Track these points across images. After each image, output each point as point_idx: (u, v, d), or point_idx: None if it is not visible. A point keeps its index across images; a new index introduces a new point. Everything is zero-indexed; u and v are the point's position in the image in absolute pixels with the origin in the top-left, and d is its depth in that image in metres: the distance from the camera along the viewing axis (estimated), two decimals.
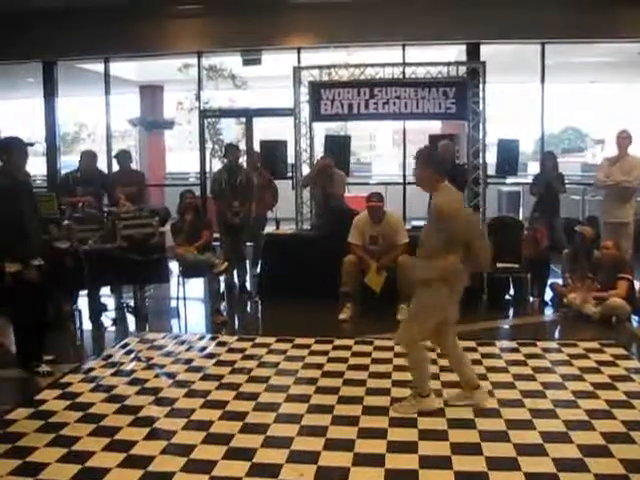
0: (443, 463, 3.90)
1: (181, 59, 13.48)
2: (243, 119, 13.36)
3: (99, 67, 13.10)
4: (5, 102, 17.26)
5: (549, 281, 7.93)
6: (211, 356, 6.03)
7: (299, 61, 11.91)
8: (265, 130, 16.17)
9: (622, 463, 3.88)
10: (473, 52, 11.53)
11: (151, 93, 17.59)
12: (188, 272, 7.73)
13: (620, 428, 4.38)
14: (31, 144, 6.20)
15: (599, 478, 3.72)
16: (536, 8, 10.90)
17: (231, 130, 15.70)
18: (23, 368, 5.65)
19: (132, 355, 6.11)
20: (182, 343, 6.47)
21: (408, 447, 4.11)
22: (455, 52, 12.83)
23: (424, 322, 4.64)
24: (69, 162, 12.40)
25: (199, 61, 12.60)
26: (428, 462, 3.91)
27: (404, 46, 11.85)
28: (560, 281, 7.77)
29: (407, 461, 3.93)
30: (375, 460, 3.94)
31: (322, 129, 12.50)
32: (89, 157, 8.17)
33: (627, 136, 8.35)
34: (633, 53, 12.10)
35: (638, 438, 4.21)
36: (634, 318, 7.05)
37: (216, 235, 8.52)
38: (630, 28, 11.35)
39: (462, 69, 9.87)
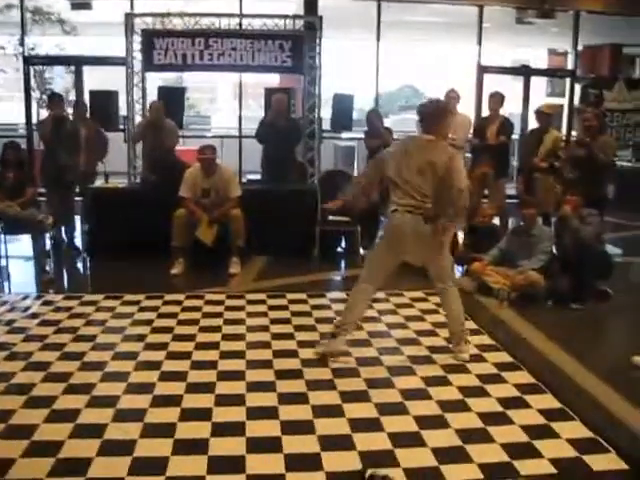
0: (269, 412, 3.97)
1: None
2: (73, 68, 12.68)
3: None
4: None
5: (380, 233, 8.17)
6: (35, 316, 5.74)
7: (132, 7, 11.42)
8: (100, 80, 15.43)
9: (439, 404, 4.12)
10: (311, 6, 11.53)
11: None
12: (10, 228, 7.31)
13: (439, 372, 4.64)
14: None
15: (418, 420, 3.92)
16: None
17: (62, 79, 14.88)
18: None
19: None
20: (4, 304, 6.10)
21: (233, 399, 4.14)
22: (294, 6, 12.77)
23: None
24: None
25: (22, 2, 11.78)
26: (255, 412, 3.96)
27: None
28: None
29: (234, 413, 3.96)
30: (202, 415, 3.93)
31: (160, 80, 12.14)
32: None
33: (455, 95, 8.66)
34: (465, 14, 12.56)
35: (454, 380, 4.50)
36: (456, 267, 7.41)
37: (42, 190, 8.11)
38: None
39: (299, 23, 9.87)
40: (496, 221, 8.32)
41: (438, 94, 8.15)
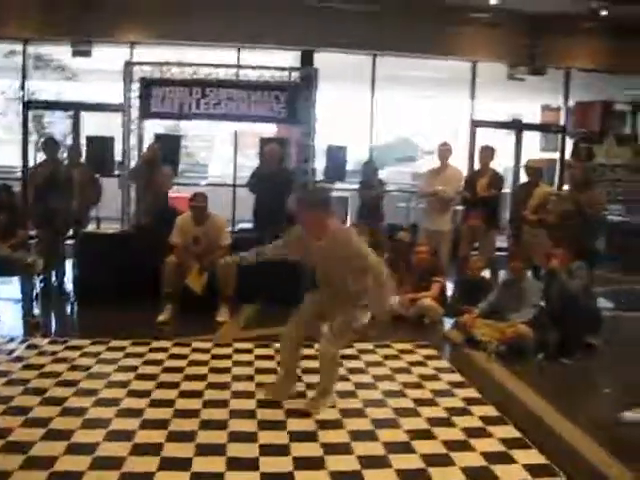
0: (249, 464, 3.92)
1: (6, 45, 12.73)
2: (71, 112, 12.82)
3: None
4: None
5: None
6: (19, 359, 5.68)
7: (132, 56, 11.60)
8: (96, 125, 15.59)
9: (422, 457, 4.06)
10: (307, 59, 11.73)
11: None
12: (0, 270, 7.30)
13: (424, 425, 4.59)
14: None
15: (400, 473, 3.87)
16: (369, 20, 11.31)
17: (61, 124, 15.02)
18: None
19: None
20: None
21: (216, 449, 4.08)
22: (291, 58, 12.97)
23: None
24: None
25: (25, 49, 11.97)
26: (236, 463, 3.90)
27: (239, 49, 11.87)
28: None
29: (214, 464, 3.90)
30: (182, 464, 3.87)
31: (160, 127, 12.26)
32: None
33: (447, 148, 8.78)
34: (460, 70, 12.77)
35: (439, 433, 4.44)
36: (445, 320, 7.40)
37: (32, 233, 8.12)
38: (456, 48, 12.07)
39: (295, 75, 10.01)
40: (486, 273, 8.34)
41: (432, 146, 8.26)
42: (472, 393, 5.26)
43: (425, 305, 7.32)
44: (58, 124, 14.84)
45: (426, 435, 4.42)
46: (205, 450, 4.06)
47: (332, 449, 4.13)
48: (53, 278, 8.22)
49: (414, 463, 4.01)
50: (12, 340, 6.30)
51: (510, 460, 4.09)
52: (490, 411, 4.88)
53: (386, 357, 6.11)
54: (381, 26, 11.47)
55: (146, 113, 9.71)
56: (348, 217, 12.60)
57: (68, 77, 13.89)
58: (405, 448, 4.21)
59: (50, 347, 6.07)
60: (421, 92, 15.83)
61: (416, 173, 19.87)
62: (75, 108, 12.26)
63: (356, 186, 9.90)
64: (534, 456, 4.15)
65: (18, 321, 7.19)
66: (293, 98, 9.68)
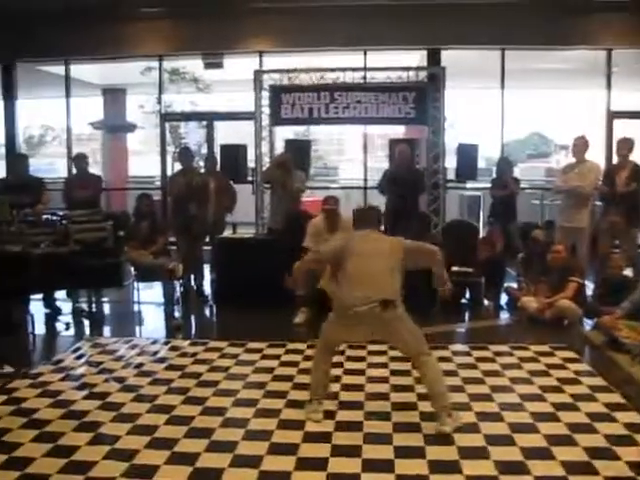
0: (386, 466, 3.91)
1: (144, 62, 13.40)
2: (205, 122, 13.33)
3: (61, 69, 12.99)
4: None
5: (504, 285, 8.00)
6: (162, 360, 5.98)
7: (261, 65, 11.89)
8: (229, 134, 16.11)
9: (563, 465, 3.91)
10: (434, 57, 11.62)
11: (114, 96, 17.41)
12: (143, 276, 7.69)
13: (563, 430, 4.42)
14: None
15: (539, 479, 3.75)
16: (496, 15, 11.02)
17: (195, 134, 15.65)
18: None
19: (83, 360, 6.04)
20: (134, 347, 6.41)
21: (352, 451, 4.10)
22: (418, 57, 12.90)
23: None
24: (35, 165, 12.29)
25: (160, 64, 12.54)
26: (371, 466, 3.91)
27: (365, 51, 11.89)
28: (515, 285, 7.86)
29: (350, 465, 3.93)
30: (318, 464, 3.93)
31: (290, 133, 12.54)
32: (18, 161, 8.07)
33: (583, 141, 8.44)
34: (592, 60, 12.26)
35: (580, 440, 4.26)
36: (585, 321, 7.12)
37: (172, 239, 8.48)
38: (588, 36, 11.56)
39: (422, 74, 9.95)
40: (628, 272, 7.96)
41: (566, 141, 7.96)
42: (615, 398, 5.01)
43: (563, 306, 7.06)
44: (193, 134, 15.49)
45: (566, 441, 4.25)
46: (341, 451, 4.10)
47: (468, 453, 4.06)
48: (192, 282, 8.56)
49: (554, 470, 3.87)
50: (155, 342, 6.65)
51: None
52: (635, 418, 4.62)
53: (523, 359, 5.94)
54: (509, 19, 11.16)
55: (277, 119, 9.94)
56: (480, 216, 12.39)
57: (201, 89, 14.45)
58: (544, 454, 4.06)
59: (191, 348, 6.34)
60: (552, 84, 15.36)
61: (550, 169, 19.32)
62: (209, 118, 12.78)
63: (488, 185, 9.70)
64: None
65: (161, 324, 7.55)
66: (421, 98, 9.63)
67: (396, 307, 4.53)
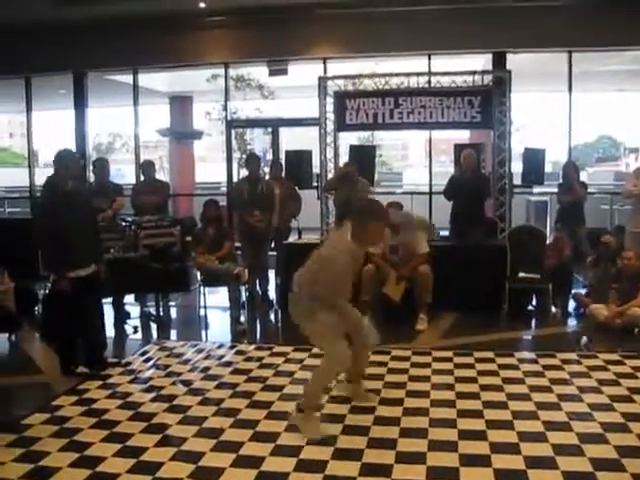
0: (451, 474, 3.87)
1: (209, 70, 13.63)
2: (270, 129, 13.46)
3: (129, 78, 13.31)
4: (40, 113, 17.57)
5: (572, 291, 7.85)
6: (228, 364, 6.08)
7: (325, 71, 11.95)
8: (294, 140, 16.25)
9: (633, 477, 3.81)
10: (499, 61, 11.47)
11: (180, 104, 17.77)
12: (209, 281, 7.81)
13: (635, 442, 4.30)
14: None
15: None
16: (562, 16, 10.82)
17: (261, 140, 15.84)
18: (64, 372, 5.81)
19: (150, 363, 6.19)
20: (201, 351, 6.52)
21: (417, 458, 4.08)
22: (482, 61, 12.77)
23: None
24: None
25: (226, 72, 12.73)
26: (436, 473, 3.88)
27: (430, 56, 11.83)
28: (583, 291, 7.70)
29: (415, 471, 3.91)
30: (382, 471, 3.92)
31: (354, 139, 12.55)
32: (101, 166, 8.26)
33: None
34: None
35: None
36: None
37: (238, 244, 8.58)
38: None
39: (487, 78, 9.83)
40: None
41: (636, 143, 7.77)
42: None
43: (635, 314, 6.86)
44: (258, 140, 15.67)
45: (638, 453, 4.12)
46: (405, 458, 4.08)
47: (536, 463, 3.97)
48: (257, 287, 8.64)
49: None
50: (221, 346, 6.75)
51: None
52: None
53: (592, 368, 5.79)
54: (575, 20, 10.93)
55: (341, 125, 9.94)
56: (547, 221, 12.18)
57: (266, 95, 14.61)
58: (614, 466, 3.95)
59: (256, 353, 6.42)
60: (621, 86, 15.01)
61: (619, 172, 18.86)
62: (274, 124, 12.88)
63: (555, 189, 9.52)
64: None
65: (226, 328, 7.64)
66: (487, 102, 9.49)
67: None
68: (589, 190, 9.82)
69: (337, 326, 4.64)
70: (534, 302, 7.97)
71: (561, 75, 11.78)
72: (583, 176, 9.92)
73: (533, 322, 7.76)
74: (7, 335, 7.09)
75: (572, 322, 7.56)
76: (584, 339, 6.40)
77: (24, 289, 7.41)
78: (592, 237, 8.44)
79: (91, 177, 8.52)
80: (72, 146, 13.61)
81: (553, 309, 7.76)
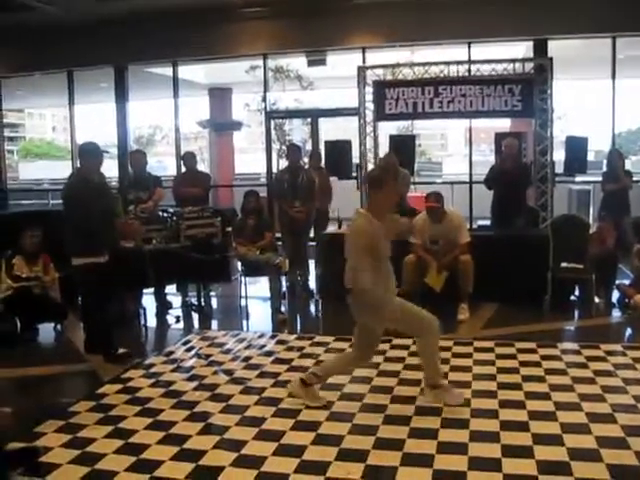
0: (493, 465, 3.84)
1: (248, 61, 13.67)
2: (309, 119, 13.47)
3: (168, 71, 13.43)
4: (82, 107, 17.83)
5: (616, 282, 7.72)
6: (269, 354, 6.11)
7: (364, 61, 11.91)
8: (333, 130, 16.24)
9: None
10: (540, 48, 11.32)
11: (220, 95, 17.87)
12: (250, 271, 7.85)
13: None
14: (106, 151, 6.44)
15: None
16: (605, 0, 10.63)
17: (300, 130, 15.86)
18: (105, 358, 5.94)
19: (192, 352, 6.26)
20: (242, 341, 6.57)
21: (459, 448, 4.06)
22: (523, 49, 12.61)
23: None
24: None
25: (265, 63, 12.76)
26: (477, 464, 3.86)
27: (469, 44, 11.71)
28: (627, 282, 7.57)
29: (456, 462, 3.89)
30: (423, 460, 3.92)
31: (393, 128, 12.48)
32: (138, 158, 8.33)
33: None
34: None
35: None
36: None
37: (278, 235, 8.61)
38: None
39: (529, 66, 9.71)
40: None
41: None
42: None
43: None
44: (298, 131, 15.69)
45: None
46: (447, 448, 4.06)
47: (579, 455, 3.92)
48: (298, 277, 8.67)
49: None
50: (262, 336, 6.79)
51: None
52: None
53: (637, 360, 5.67)
54: (619, 4, 10.70)
55: (381, 115, 9.93)
56: (590, 211, 12.01)
57: (305, 86, 14.61)
58: None
59: (297, 343, 6.46)
60: None
61: None
62: (313, 115, 12.89)
63: (598, 178, 9.37)
64: None
65: (267, 318, 7.69)
66: (528, 90, 9.40)
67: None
68: (634, 179, 9.65)
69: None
70: (577, 292, 7.87)
71: (604, 61, 11.58)
72: (627, 164, 9.75)
73: (576, 313, 7.68)
74: (53, 325, 7.23)
75: (616, 313, 7.45)
76: None
77: (68, 279, 7.53)
78: (637, 226, 8.29)
79: (130, 169, 8.56)
80: (114, 139, 13.83)
81: (596, 300, 7.64)
